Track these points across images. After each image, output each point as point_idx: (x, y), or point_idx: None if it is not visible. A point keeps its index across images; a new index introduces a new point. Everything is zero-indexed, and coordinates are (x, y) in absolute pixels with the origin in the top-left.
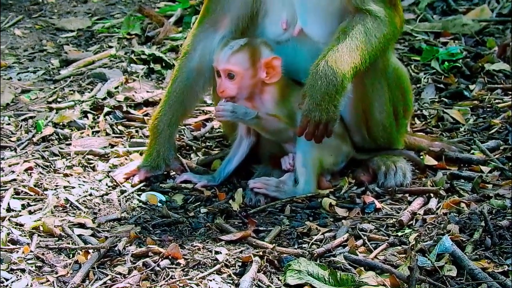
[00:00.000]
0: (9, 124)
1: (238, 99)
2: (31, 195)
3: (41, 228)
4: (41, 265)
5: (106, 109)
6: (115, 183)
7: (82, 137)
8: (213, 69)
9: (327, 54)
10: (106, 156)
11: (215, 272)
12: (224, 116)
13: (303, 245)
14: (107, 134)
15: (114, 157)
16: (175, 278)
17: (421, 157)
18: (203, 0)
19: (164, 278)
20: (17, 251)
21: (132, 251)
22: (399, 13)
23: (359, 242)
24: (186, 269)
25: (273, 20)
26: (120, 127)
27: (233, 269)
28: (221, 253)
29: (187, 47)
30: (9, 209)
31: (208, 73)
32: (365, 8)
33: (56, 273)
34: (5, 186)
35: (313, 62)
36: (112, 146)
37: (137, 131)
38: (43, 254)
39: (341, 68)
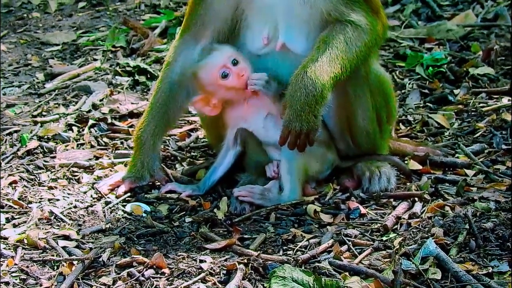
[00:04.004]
0: None
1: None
2: (15, 208)
3: (26, 241)
4: (25, 277)
5: (91, 122)
6: (99, 195)
7: (67, 149)
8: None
9: (306, 65)
10: (90, 168)
11: (199, 280)
12: (257, 85)
13: (288, 252)
14: (92, 146)
15: (99, 169)
16: None
17: (406, 162)
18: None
19: None
20: (1, 264)
21: (116, 262)
22: (382, 20)
23: (344, 247)
24: (170, 278)
25: (254, 35)
26: (105, 139)
27: (218, 277)
28: (205, 261)
29: (169, 58)
30: None
31: (189, 82)
32: (346, 19)
33: (41, 285)
34: None
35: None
36: (97, 158)
37: (122, 143)
38: (27, 266)
39: (321, 78)
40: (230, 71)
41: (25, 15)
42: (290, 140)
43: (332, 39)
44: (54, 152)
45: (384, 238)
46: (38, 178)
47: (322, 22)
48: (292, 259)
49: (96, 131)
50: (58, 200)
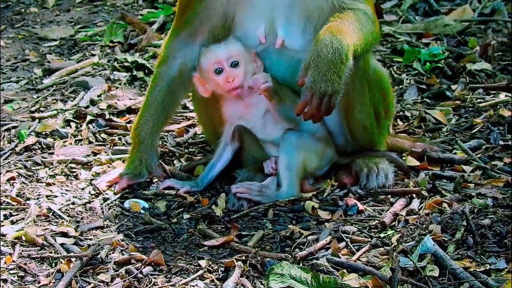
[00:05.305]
0: None
1: (244, 88)
2: (13, 205)
3: (24, 238)
4: (23, 275)
5: (89, 118)
6: (97, 191)
7: (65, 146)
8: (202, 73)
9: (329, 27)
10: (89, 164)
11: (198, 277)
12: (268, 82)
13: (286, 249)
14: (90, 142)
15: (97, 165)
16: (158, 285)
17: (404, 158)
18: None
19: (147, 285)
20: None
21: (114, 259)
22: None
23: (342, 244)
24: (168, 275)
25: (248, 32)
26: (103, 135)
27: (216, 274)
28: (203, 258)
29: (166, 55)
30: None
31: (188, 80)
32: (353, 7)
33: (39, 282)
34: None
35: (295, 69)
36: (95, 154)
37: (120, 139)
38: (25, 264)
39: (346, 38)
40: (224, 70)
41: (23, 10)
42: (313, 104)
43: (346, 16)
44: (52, 148)
45: (382, 235)
46: (36, 175)
47: (324, 16)
48: (290, 256)
49: (94, 127)
50: (56, 196)
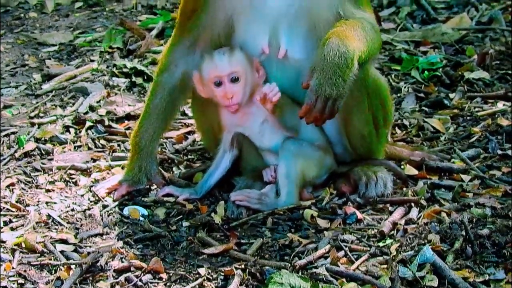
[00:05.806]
0: None
1: (243, 102)
2: (13, 212)
3: (23, 245)
4: (23, 282)
5: (88, 124)
6: (97, 198)
7: (64, 152)
8: (201, 81)
9: (335, 31)
10: (88, 170)
11: (197, 286)
12: (278, 94)
13: (285, 257)
14: (89, 148)
15: (96, 172)
16: None
17: (402, 167)
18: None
19: None
20: None
21: (114, 266)
22: None
23: (341, 253)
24: (168, 284)
25: (251, 41)
26: (102, 141)
27: (215, 283)
28: (203, 266)
29: (167, 63)
30: None
31: (189, 88)
32: (358, 16)
33: None
34: None
35: (296, 79)
36: (94, 160)
37: (119, 145)
38: (25, 270)
39: (352, 43)
40: (224, 84)
41: (22, 15)
42: (317, 107)
43: (351, 23)
44: (51, 154)
45: (381, 244)
46: (36, 181)
47: (329, 26)
48: (289, 265)
49: (93, 133)
50: (55, 203)
